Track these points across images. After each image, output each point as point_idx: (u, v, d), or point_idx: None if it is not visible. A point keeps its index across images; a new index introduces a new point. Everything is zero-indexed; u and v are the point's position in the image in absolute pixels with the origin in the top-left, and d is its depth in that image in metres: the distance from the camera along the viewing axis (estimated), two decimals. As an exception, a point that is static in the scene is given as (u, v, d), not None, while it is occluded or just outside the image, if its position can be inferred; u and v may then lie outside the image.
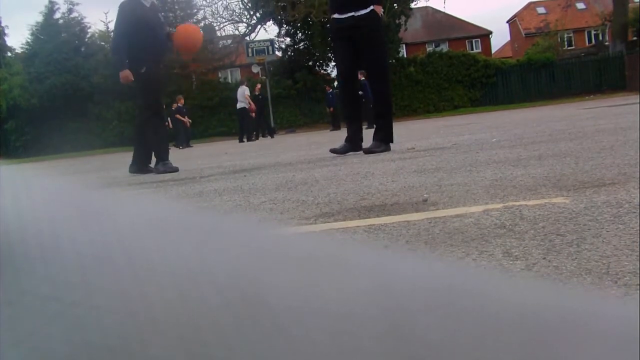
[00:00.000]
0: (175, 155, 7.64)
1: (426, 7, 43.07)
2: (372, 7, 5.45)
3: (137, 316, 0.16)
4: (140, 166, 6.14)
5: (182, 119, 21.84)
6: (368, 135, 5.85)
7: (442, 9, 47.70)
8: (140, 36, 5.85)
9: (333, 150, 5.72)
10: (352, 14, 5.51)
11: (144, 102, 6.14)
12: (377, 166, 3.98)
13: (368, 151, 5.48)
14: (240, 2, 33.52)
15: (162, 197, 0.25)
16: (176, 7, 32.32)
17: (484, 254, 1.42)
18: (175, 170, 5.84)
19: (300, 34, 32.69)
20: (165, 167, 5.89)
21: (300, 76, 31.11)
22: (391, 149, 5.62)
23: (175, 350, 0.16)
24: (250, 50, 28.72)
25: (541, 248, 1.41)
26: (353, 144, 5.66)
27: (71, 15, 33.29)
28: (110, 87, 30.88)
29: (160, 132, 6.20)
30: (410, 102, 31.65)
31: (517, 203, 2.00)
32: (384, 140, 5.56)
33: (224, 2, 47.19)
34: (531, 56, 32.83)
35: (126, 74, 5.94)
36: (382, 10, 5.56)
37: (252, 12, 33.30)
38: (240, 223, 0.20)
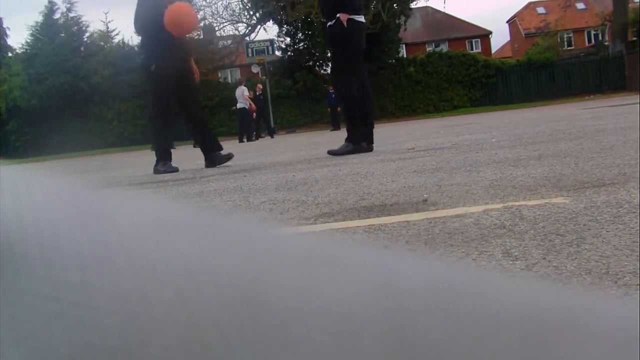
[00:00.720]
0: (176, 155, 7.64)
1: (426, 7, 43.12)
2: (338, 16, 5.71)
3: (137, 316, 0.16)
4: (209, 156, 6.04)
5: None
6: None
7: (442, 9, 47.80)
8: (154, 31, 5.77)
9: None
10: (330, 23, 5.84)
11: (152, 101, 6.11)
12: (377, 166, 3.98)
13: (332, 152, 5.72)
14: (240, 2, 33.54)
15: (162, 197, 0.25)
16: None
17: (484, 254, 1.42)
18: (175, 170, 5.83)
19: (300, 34, 32.70)
20: (165, 167, 5.87)
21: (300, 76, 31.11)
22: (371, 149, 5.74)
23: (175, 350, 0.16)
24: (250, 50, 28.72)
25: (541, 248, 1.41)
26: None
27: (70, 15, 33.30)
28: (109, 87, 30.91)
29: (163, 133, 6.14)
30: (410, 102, 31.66)
31: (517, 203, 2.00)
32: (347, 140, 5.79)
33: (224, 2, 47.27)
34: (531, 56, 32.83)
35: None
36: (349, 17, 5.70)
37: (252, 12, 33.31)
38: (240, 223, 0.20)
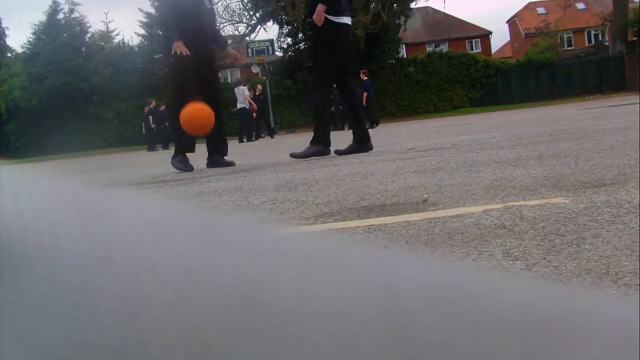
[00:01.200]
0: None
1: (426, 7, 43.15)
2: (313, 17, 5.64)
3: (137, 316, 0.16)
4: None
5: None
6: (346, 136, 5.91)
7: (442, 9, 47.86)
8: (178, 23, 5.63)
9: (337, 152, 5.74)
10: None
11: (170, 95, 6.06)
12: (377, 166, 3.98)
13: (294, 155, 5.65)
14: (240, 2, 33.56)
15: (162, 197, 0.25)
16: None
17: (484, 254, 1.42)
18: (190, 169, 5.71)
19: (301, 34, 32.70)
20: (180, 164, 5.76)
21: (301, 76, 31.11)
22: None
23: (175, 350, 0.16)
24: (250, 50, 28.72)
25: (541, 248, 1.41)
26: (360, 144, 5.72)
27: (72, 15, 33.35)
28: (109, 87, 30.91)
29: (180, 129, 6.01)
30: (410, 102, 31.67)
31: (517, 203, 2.00)
32: (312, 142, 5.71)
33: (224, 2, 47.23)
34: (531, 56, 32.85)
35: (178, 45, 5.56)
36: (325, 16, 5.56)
37: (252, 12, 33.32)
38: (240, 223, 0.20)
